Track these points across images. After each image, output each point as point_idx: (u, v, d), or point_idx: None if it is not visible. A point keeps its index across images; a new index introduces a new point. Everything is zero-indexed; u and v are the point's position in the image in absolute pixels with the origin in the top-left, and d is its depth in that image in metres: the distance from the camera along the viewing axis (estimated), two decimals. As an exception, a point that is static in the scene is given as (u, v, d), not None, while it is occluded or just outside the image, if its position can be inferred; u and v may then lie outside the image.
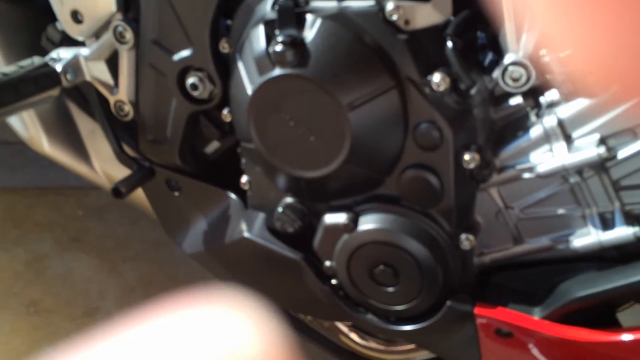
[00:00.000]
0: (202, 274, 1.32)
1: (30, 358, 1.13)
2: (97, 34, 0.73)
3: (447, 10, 0.59)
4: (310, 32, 0.59)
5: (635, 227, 0.59)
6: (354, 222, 0.67)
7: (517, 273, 0.69)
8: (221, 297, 0.26)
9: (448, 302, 0.67)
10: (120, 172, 0.82)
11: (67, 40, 0.76)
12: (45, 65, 0.71)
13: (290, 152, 0.66)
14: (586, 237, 0.62)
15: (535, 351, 0.66)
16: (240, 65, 0.64)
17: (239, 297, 0.26)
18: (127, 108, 0.77)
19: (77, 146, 0.87)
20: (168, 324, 0.25)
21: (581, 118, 0.58)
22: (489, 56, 0.64)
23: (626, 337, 0.57)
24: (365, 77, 0.59)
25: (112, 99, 0.77)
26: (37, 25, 0.81)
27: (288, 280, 0.77)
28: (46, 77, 0.70)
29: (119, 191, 0.75)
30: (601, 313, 0.68)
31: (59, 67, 0.72)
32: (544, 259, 0.67)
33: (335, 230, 0.69)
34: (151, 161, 0.81)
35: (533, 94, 0.61)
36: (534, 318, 0.64)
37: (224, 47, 0.69)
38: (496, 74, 0.60)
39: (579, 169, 0.59)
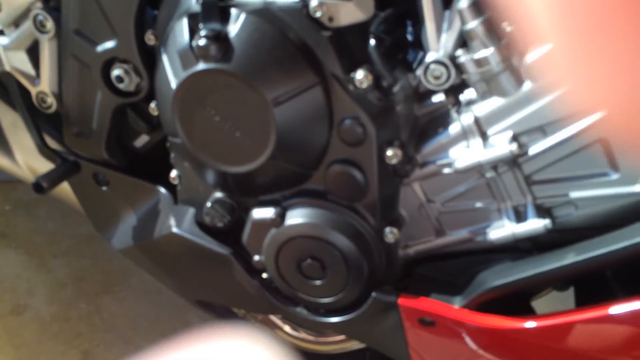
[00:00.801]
0: (137, 269, 1.30)
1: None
2: (16, 22, 0.71)
3: (369, 8, 0.60)
4: (234, 27, 0.59)
5: (546, 220, 0.62)
6: (281, 216, 0.68)
7: (440, 264, 0.71)
8: (236, 335, 0.26)
9: (373, 294, 0.69)
10: (45, 165, 0.79)
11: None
12: (-42, 53, 0.68)
13: (216, 148, 0.65)
14: (501, 230, 0.65)
15: (456, 338, 0.68)
16: (165, 59, 0.64)
17: (254, 335, 0.27)
18: (50, 100, 0.75)
19: (-2, 138, 0.84)
20: None
21: (495, 116, 0.60)
22: (418, 54, 0.66)
23: (532, 323, 0.60)
24: (290, 73, 0.60)
25: (33, 90, 0.75)
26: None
27: (218, 275, 0.77)
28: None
29: (40, 186, 0.73)
30: (519, 301, 0.72)
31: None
32: (465, 250, 0.69)
33: (263, 225, 0.69)
34: (77, 155, 0.78)
35: (454, 91, 0.63)
36: (454, 307, 0.67)
37: (150, 38, 0.68)
38: (419, 71, 0.62)
39: (494, 165, 0.62)
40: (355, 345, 0.96)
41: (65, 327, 1.19)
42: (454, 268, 0.71)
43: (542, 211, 0.63)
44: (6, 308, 1.18)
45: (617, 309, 0.56)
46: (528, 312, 0.71)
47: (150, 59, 0.69)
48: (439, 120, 0.64)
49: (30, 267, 1.24)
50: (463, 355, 0.70)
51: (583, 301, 0.69)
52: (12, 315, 1.17)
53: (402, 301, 0.68)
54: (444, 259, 0.71)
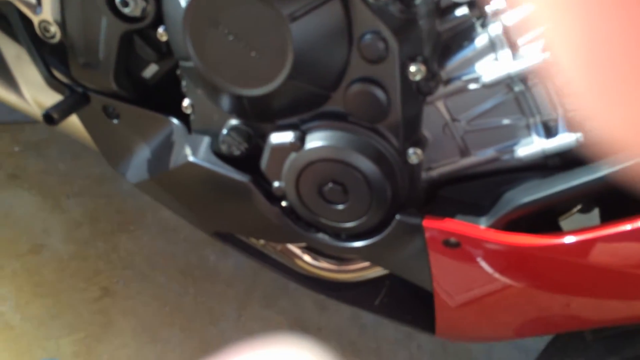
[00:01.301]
0: (152, 207, 1.30)
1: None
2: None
3: None
4: None
5: (578, 133, 0.60)
6: (300, 140, 0.66)
7: (465, 186, 0.69)
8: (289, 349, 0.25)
9: (397, 216, 0.68)
10: (53, 99, 0.77)
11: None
12: (-46, -20, 0.64)
13: (231, 69, 0.63)
14: (530, 146, 0.63)
15: (482, 260, 0.68)
16: (172, -25, 0.60)
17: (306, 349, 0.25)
18: (54, 29, 0.71)
19: (3, 73, 0.81)
20: None
21: (526, 25, 0.57)
22: None
23: (568, 239, 0.59)
24: (306, -15, 0.56)
25: (35, 20, 0.71)
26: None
27: (237, 204, 0.75)
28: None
29: (51, 117, 0.71)
30: (545, 223, 0.70)
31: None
32: (490, 170, 0.67)
33: (282, 150, 0.67)
34: (85, 87, 0.76)
35: (478, 3, 0.59)
36: (481, 227, 0.65)
37: None
38: None
39: (524, 77, 0.59)
40: (375, 272, 0.96)
41: (83, 265, 1.20)
42: (479, 189, 0.69)
43: (574, 125, 0.60)
44: (24, 248, 1.18)
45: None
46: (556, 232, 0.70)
47: None
48: (463, 34, 0.61)
49: (44, 208, 1.24)
50: (488, 277, 0.69)
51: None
52: (31, 254, 1.18)
53: (426, 223, 0.67)
54: (469, 181, 0.70)
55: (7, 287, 1.13)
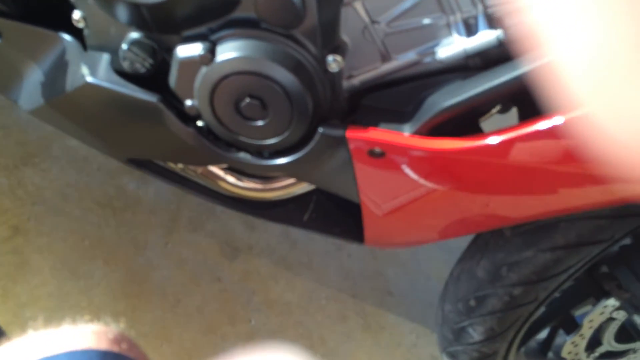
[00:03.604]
0: (57, 136, 1.20)
1: None
2: None
3: None
4: None
5: (498, 30, 0.58)
6: (211, 52, 0.60)
7: (387, 93, 0.67)
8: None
9: (320, 129, 0.65)
10: None
11: None
12: None
13: (123, -27, 0.55)
14: (451, 46, 0.60)
15: (408, 167, 0.67)
16: None
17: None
18: None
19: None
20: None
21: None
22: None
23: (492, 140, 0.59)
24: None
25: None
26: None
27: (147, 127, 0.70)
28: None
29: None
30: (465, 124, 0.70)
31: None
32: (413, 75, 0.65)
33: (192, 64, 0.61)
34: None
35: None
36: (405, 134, 0.64)
37: None
38: None
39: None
40: (301, 188, 0.94)
41: (-14, 203, 1.11)
42: (402, 95, 0.67)
43: (494, 22, 0.58)
44: None
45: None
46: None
47: None
48: None
49: None
50: (413, 184, 0.69)
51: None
52: None
53: (349, 134, 0.65)
54: (391, 87, 0.67)
55: None
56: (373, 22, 0.61)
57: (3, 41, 0.70)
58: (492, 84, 0.57)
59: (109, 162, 1.19)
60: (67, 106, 0.71)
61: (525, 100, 0.68)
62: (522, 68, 0.56)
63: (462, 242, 0.92)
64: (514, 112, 0.72)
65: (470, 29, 0.60)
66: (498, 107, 0.70)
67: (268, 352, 0.26)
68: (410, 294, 1.31)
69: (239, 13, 0.59)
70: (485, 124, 0.73)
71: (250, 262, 1.24)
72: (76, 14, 0.65)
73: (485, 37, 0.58)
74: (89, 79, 0.65)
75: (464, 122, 0.68)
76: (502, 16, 0.58)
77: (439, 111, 0.61)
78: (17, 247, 1.08)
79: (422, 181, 0.68)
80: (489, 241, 0.88)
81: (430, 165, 0.66)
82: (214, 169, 0.92)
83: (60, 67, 0.70)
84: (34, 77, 0.73)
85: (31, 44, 0.70)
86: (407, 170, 0.67)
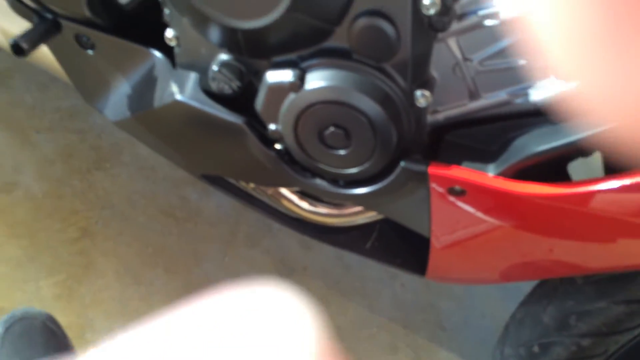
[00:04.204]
0: (128, 144, 1.23)
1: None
2: None
3: None
4: None
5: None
6: (300, 79, 0.61)
7: (471, 130, 0.66)
8: (264, 295, 0.26)
9: (402, 163, 0.64)
10: (19, 26, 0.69)
11: None
12: None
13: (225, -2, 0.56)
14: (547, 90, 0.58)
15: (487, 207, 0.65)
16: None
17: (282, 295, 0.26)
18: (16, -56, 0.63)
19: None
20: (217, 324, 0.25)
21: None
22: None
23: (585, 188, 0.57)
24: None
25: None
26: None
27: (228, 147, 0.70)
28: None
29: (20, 48, 0.64)
30: (551, 168, 0.68)
31: None
32: (500, 114, 0.63)
33: (280, 90, 0.62)
34: (55, 13, 0.68)
35: None
36: (489, 175, 0.62)
37: None
38: None
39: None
40: (366, 217, 0.93)
41: (59, 204, 1.14)
42: (488, 134, 0.65)
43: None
44: (-5, 186, 1.12)
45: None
46: (564, 178, 0.67)
47: None
48: None
49: (13, 144, 1.16)
50: (489, 225, 0.67)
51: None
52: (2, 193, 1.12)
53: (432, 170, 0.64)
54: (476, 125, 0.66)
55: (-19, 227, 1.07)
56: (465, 59, 0.60)
57: (95, 53, 0.72)
58: (592, 132, 0.55)
59: (175, 172, 1.22)
60: (152, 120, 0.72)
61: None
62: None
63: (519, 282, 0.89)
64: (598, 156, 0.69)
65: (569, 73, 0.57)
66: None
67: (251, 287, 0.26)
68: (463, 330, 1.27)
69: (330, 42, 0.59)
70: (572, 167, 0.70)
71: (303, 282, 1.24)
72: (169, 32, 0.66)
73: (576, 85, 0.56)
74: (178, 96, 0.67)
75: (551, 165, 0.66)
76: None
77: (530, 155, 0.59)
78: (84, 248, 1.11)
79: (499, 222, 0.66)
80: (558, 287, 0.85)
81: (513, 207, 0.63)
82: (284, 190, 0.92)
83: (148, 83, 0.71)
84: (121, 89, 0.75)
85: (122, 58, 0.72)
86: (486, 210, 0.65)
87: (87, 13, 0.67)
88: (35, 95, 1.22)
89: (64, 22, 0.68)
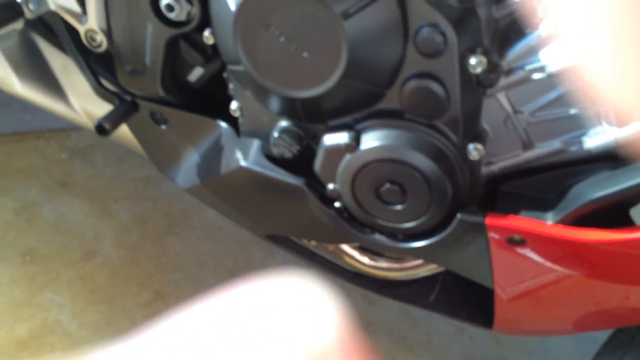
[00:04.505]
0: (197, 209, 1.30)
1: (32, 306, 1.12)
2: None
3: None
4: None
5: (654, 121, 0.56)
6: (356, 141, 0.64)
7: (527, 179, 0.67)
8: (288, 286, 0.27)
9: (458, 215, 0.65)
10: (101, 108, 0.77)
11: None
12: (2, -5, 0.64)
13: (283, 71, 0.61)
14: (601, 136, 0.59)
15: (549, 257, 0.65)
16: (219, -22, 0.58)
17: (307, 286, 0.27)
18: (100, 38, 0.71)
19: (51, 83, 0.81)
20: (242, 315, 0.25)
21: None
22: None
23: (645, 234, 0.56)
24: (360, -20, 0.54)
25: (82, 29, 0.71)
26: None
27: (290, 207, 0.74)
28: (6, 9, 0.63)
29: (103, 128, 0.71)
30: (612, 214, 0.67)
31: (18, -4, 0.65)
32: (555, 163, 0.64)
33: (337, 151, 0.65)
34: (132, 94, 0.75)
35: None
36: (548, 223, 0.63)
37: None
38: None
39: (594, 64, 0.55)
40: (428, 270, 0.93)
41: (135, 269, 1.21)
42: (543, 183, 0.66)
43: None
44: (77, 254, 1.20)
45: None
46: (627, 223, 0.66)
47: None
48: (522, 20, 0.58)
49: (94, 214, 1.25)
50: (553, 274, 0.67)
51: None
52: (84, 261, 1.20)
53: (489, 221, 0.65)
54: (531, 174, 0.66)
55: (63, 294, 1.15)
56: (516, 111, 0.62)
57: (168, 127, 0.79)
58: (649, 177, 0.55)
59: (240, 233, 1.26)
60: (220, 186, 0.77)
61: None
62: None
63: (594, 332, 0.86)
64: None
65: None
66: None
67: (282, 279, 0.27)
68: (538, 386, 1.22)
69: (383, 105, 0.62)
70: (636, 211, 0.69)
71: (368, 338, 1.23)
72: (233, 104, 0.72)
73: (638, 127, 0.57)
74: (243, 163, 0.72)
75: (611, 211, 0.65)
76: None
77: (588, 202, 0.59)
78: (157, 310, 1.16)
79: (564, 270, 0.66)
80: (634, 336, 0.81)
81: (575, 255, 0.63)
82: (345, 246, 0.94)
83: (215, 151, 0.77)
84: (191, 158, 0.81)
85: (192, 130, 0.78)
86: (549, 259, 0.65)
87: (161, 93, 0.73)
88: (114, 168, 1.32)
89: (140, 102, 0.75)
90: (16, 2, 0.65)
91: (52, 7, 0.69)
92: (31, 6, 0.66)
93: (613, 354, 0.83)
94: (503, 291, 0.73)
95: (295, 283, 0.26)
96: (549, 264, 0.66)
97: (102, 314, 1.13)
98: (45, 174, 1.27)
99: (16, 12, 0.64)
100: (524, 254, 0.66)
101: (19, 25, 0.65)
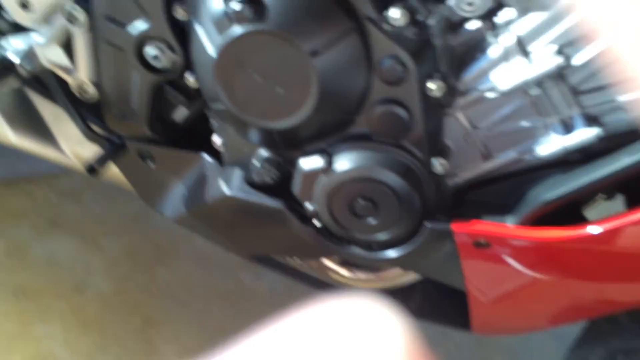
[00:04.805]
0: (185, 239, 1.34)
1: (25, 338, 1.15)
2: (47, 19, 0.71)
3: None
4: None
5: (596, 128, 0.63)
6: (329, 164, 0.70)
7: (490, 188, 0.73)
8: (351, 304, 0.27)
9: (427, 224, 0.71)
10: (90, 150, 0.81)
11: (16, 28, 0.73)
12: (-1, 57, 0.69)
13: (260, 106, 0.67)
14: (551, 145, 0.66)
15: (513, 257, 0.71)
16: (199, 29, 0.64)
17: (369, 303, 0.27)
18: (89, 89, 0.76)
19: (43, 132, 0.86)
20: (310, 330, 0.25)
21: (537, 32, 0.61)
22: None
23: (592, 230, 0.63)
24: (324, 22, 0.60)
25: (72, 82, 0.76)
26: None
27: (273, 228, 0.79)
28: (2, 70, 0.68)
29: (93, 169, 0.76)
30: (569, 215, 0.73)
31: (14, 58, 0.70)
32: (513, 171, 0.70)
33: (313, 174, 0.71)
34: (121, 135, 0.80)
35: (489, 15, 0.63)
36: (508, 225, 0.69)
37: (180, 13, 0.68)
38: (452, 1, 0.61)
39: (539, 81, 0.62)
40: (407, 279, 0.99)
41: (125, 298, 1.25)
42: (504, 190, 0.72)
43: (591, 120, 0.64)
44: (68, 288, 1.23)
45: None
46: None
47: (181, 33, 0.69)
48: (477, 46, 0.64)
49: (84, 249, 1.29)
50: (520, 272, 0.73)
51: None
52: (75, 293, 1.23)
53: (455, 227, 0.71)
54: (493, 183, 0.73)
55: (56, 325, 1.18)
56: (474, 127, 0.68)
57: (156, 164, 0.84)
58: (593, 178, 0.62)
59: (228, 259, 1.30)
60: (205, 214, 0.82)
61: (632, 188, 0.71)
62: (623, 160, 0.60)
63: (575, 329, 0.92)
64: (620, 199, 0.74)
65: (568, 128, 0.65)
66: (603, 196, 0.73)
67: (346, 300, 0.26)
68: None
69: (353, 129, 0.69)
70: (592, 212, 0.75)
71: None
72: (216, 138, 0.77)
73: (584, 134, 0.63)
74: (227, 191, 0.77)
75: (567, 211, 0.72)
76: (600, 114, 0.63)
77: (540, 204, 0.65)
78: (148, 337, 1.19)
79: (528, 270, 0.72)
80: (602, 328, 0.87)
81: (536, 254, 0.69)
82: (326, 261, 0.99)
83: (201, 182, 0.82)
84: (178, 191, 0.86)
85: (177, 164, 0.83)
86: (512, 260, 0.71)
87: (148, 133, 0.78)
88: (103, 206, 1.36)
89: (128, 142, 0.80)
90: (11, 62, 0.70)
91: (45, 64, 0.74)
92: (26, 66, 0.71)
93: (585, 347, 0.88)
94: (475, 293, 0.79)
95: (361, 304, 0.26)
96: (514, 264, 0.72)
97: (94, 342, 1.16)
98: (35, 215, 1.31)
99: (11, 72, 0.69)
100: (490, 256, 0.72)
101: (13, 82, 0.70)
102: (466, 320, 0.86)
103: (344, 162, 0.69)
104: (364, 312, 0.26)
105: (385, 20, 0.60)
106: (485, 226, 0.70)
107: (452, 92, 0.65)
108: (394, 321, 0.25)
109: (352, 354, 0.24)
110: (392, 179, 0.69)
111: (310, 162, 0.71)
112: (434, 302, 0.97)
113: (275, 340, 0.25)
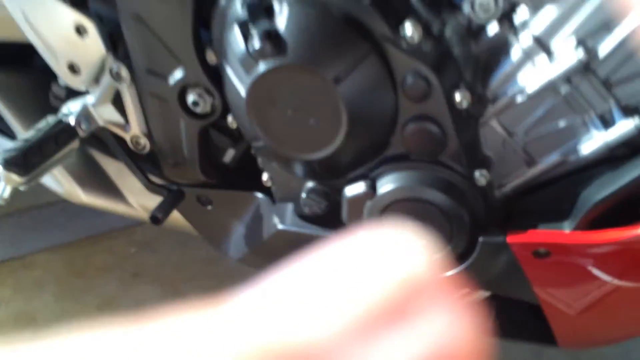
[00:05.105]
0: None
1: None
2: (96, 79, 0.78)
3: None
4: (281, 20, 0.62)
5: (635, 119, 0.60)
6: (372, 188, 0.71)
7: (540, 194, 0.70)
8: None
9: (480, 239, 0.70)
10: (154, 200, 0.87)
11: (73, 93, 0.81)
12: (60, 121, 0.77)
13: (295, 140, 0.69)
14: (592, 142, 0.63)
15: (576, 263, 0.67)
16: (229, 71, 0.68)
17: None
18: (143, 141, 0.82)
19: (110, 188, 0.93)
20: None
21: (554, 27, 0.59)
22: None
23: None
24: (342, 48, 0.62)
25: (127, 136, 0.82)
26: (42, 87, 0.87)
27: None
28: (64, 133, 0.75)
29: (156, 218, 0.81)
30: (629, 212, 0.69)
31: (72, 120, 0.77)
32: (561, 173, 0.68)
33: (357, 201, 0.72)
34: (178, 183, 0.86)
35: (506, 17, 0.62)
36: (565, 232, 0.66)
37: (211, 57, 0.72)
38: (467, 9, 0.62)
39: (567, 78, 0.61)
40: (477, 296, 0.96)
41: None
42: (555, 195, 0.69)
43: (629, 111, 0.61)
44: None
45: None
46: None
47: (216, 77, 0.73)
48: (499, 51, 0.64)
49: (165, 296, 1.36)
50: (587, 278, 0.69)
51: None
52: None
53: (510, 238, 0.69)
54: (543, 189, 0.70)
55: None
56: (510, 134, 0.67)
57: (214, 206, 0.88)
58: (641, 170, 0.58)
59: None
60: (265, 250, 0.85)
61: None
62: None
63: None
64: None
65: (607, 122, 0.62)
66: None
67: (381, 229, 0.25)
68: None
69: (390, 151, 0.69)
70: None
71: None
72: (264, 175, 0.81)
73: (624, 127, 0.60)
74: (280, 226, 0.79)
75: (626, 211, 0.67)
76: (637, 104, 0.61)
77: (592, 205, 0.62)
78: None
79: (596, 273, 0.68)
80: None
81: (599, 257, 0.66)
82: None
83: (257, 220, 0.86)
84: (237, 231, 0.90)
85: (234, 205, 0.87)
86: (576, 265, 0.68)
87: (201, 177, 0.83)
88: (178, 253, 1.44)
89: (186, 189, 0.85)
90: (71, 125, 0.77)
91: (101, 122, 0.81)
92: (83, 126, 0.78)
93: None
94: (549, 304, 0.75)
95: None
96: (579, 270, 0.68)
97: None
98: (119, 268, 1.40)
99: (72, 134, 0.77)
100: (553, 264, 0.69)
101: (75, 144, 0.78)
102: (551, 335, 0.82)
103: (385, 185, 0.70)
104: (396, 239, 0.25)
105: (402, 37, 0.61)
106: (541, 235, 0.68)
107: (481, 101, 0.65)
108: (420, 247, 0.25)
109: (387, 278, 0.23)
110: (435, 196, 0.68)
111: (353, 189, 0.72)
112: (510, 318, 0.93)
113: (304, 273, 0.24)
